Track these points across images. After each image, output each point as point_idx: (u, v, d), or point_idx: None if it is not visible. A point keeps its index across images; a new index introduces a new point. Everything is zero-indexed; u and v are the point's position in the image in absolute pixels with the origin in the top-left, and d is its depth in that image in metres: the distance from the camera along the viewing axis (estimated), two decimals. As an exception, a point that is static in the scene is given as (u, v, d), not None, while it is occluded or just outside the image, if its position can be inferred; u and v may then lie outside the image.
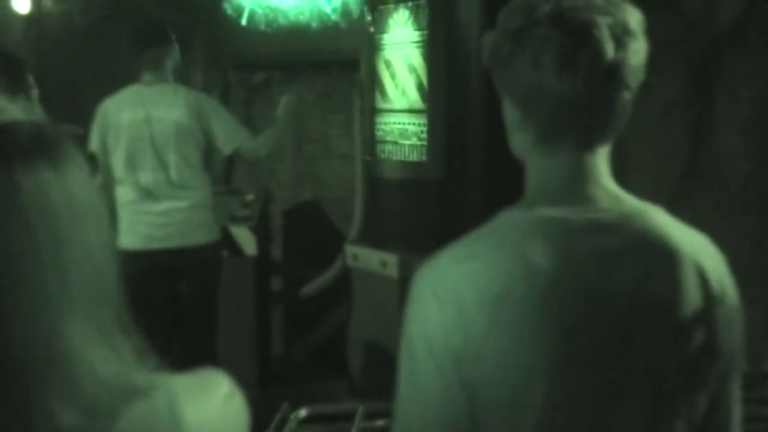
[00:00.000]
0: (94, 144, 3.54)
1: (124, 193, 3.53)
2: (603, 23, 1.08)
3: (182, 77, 3.76)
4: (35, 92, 2.95)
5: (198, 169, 3.58)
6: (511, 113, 1.16)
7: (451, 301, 1.08)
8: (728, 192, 3.18)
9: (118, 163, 3.53)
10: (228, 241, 4.28)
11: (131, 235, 3.51)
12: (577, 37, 1.07)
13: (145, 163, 3.51)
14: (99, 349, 0.79)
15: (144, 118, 3.51)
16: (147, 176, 3.52)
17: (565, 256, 1.07)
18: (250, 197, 4.21)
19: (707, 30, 3.19)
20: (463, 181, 3.25)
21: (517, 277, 1.06)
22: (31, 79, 2.95)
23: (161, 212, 3.53)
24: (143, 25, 3.73)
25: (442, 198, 3.25)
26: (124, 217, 3.54)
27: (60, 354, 0.77)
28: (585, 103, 1.09)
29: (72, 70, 4.88)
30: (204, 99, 3.69)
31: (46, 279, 0.77)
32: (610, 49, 1.07)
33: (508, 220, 1.12)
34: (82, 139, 3.50)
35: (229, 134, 3.60)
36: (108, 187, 3.55)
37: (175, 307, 3.64)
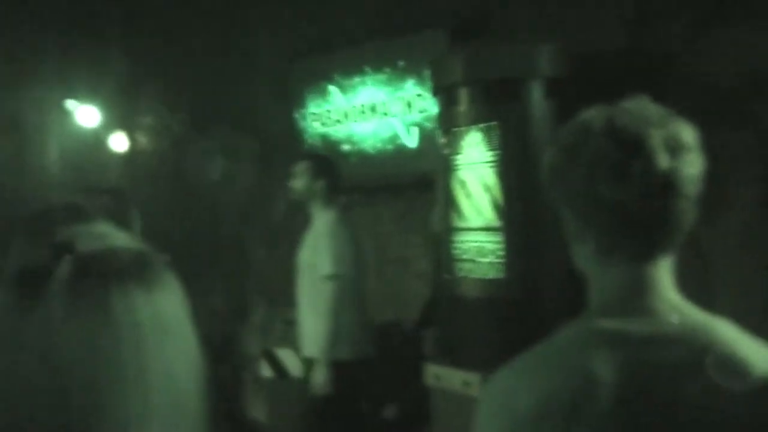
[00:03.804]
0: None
1: None
2: (656, 135, 1.09)
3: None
4: (139, 226, 3.05)
5: None
6: (570, 226, 1.18)
7: (518, 416, 1.07)
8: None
9: None
10: (272, 363, 4.37)
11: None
12: (630, 148, 1.09)
13: None
14: None
15: None
16: None
17: (627, 370, 1.06)
18: (290, 316, 4.28)
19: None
20: (541, 296, 3.22)
21: (581, 391, 1.05)
22: (135, 213, 3.05)
23: None
24: (323, 159, 4.14)
25: (522, 315, 3.22)
26: None
27: None
28: (641, 213, 1.09)
29: (163, 199, 5.13)
30: None
31: (129, 396, 0.80)
32: (663, 160, 1.08)
33: (569, 333, 1.12)
34: (169, 266, 3.65)
35: None
36: None
37: None
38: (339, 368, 3.73)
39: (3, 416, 0.80)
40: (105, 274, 0.83)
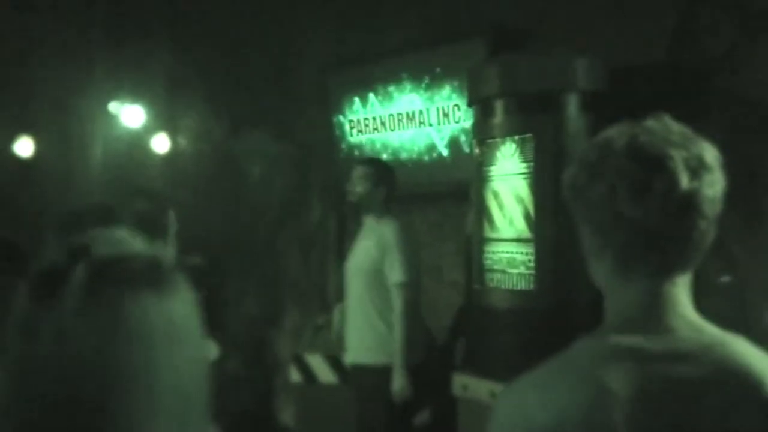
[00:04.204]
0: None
1: None
2: (677, 155, 1.10)
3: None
4: (174, 228, 3.02)
5: None
6: (588, 242, 1.19)
7: (532, 430, 1.08)
8: None
9: None
10: (301, 368, 4.40)
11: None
12: (651, 167, 1.10)
13: None
14: None
15: None
16: None
17: (642, 385, 1.07)
18: (320, 321, 4.30)
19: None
20: (571, 309, 3.21)
21: (595, 405, 1.06)
22: (172, 215, 3.02)
23: None
24: (383, 166, 4.15)
25: (551, 327, 3.21)
26: None
27: None
28: (660, 232, 1.10)
29: (202, 202, 5.21)
30: None
31: (138, 399, 0.83)
32: (684, 179, 1.09)
33: (584, 348, 1.13)
34: (202, 269, 3.70)
35: None
36: None
37: None
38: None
39: (15, 410, 0.83)
40: (118, 280, 0.86)
